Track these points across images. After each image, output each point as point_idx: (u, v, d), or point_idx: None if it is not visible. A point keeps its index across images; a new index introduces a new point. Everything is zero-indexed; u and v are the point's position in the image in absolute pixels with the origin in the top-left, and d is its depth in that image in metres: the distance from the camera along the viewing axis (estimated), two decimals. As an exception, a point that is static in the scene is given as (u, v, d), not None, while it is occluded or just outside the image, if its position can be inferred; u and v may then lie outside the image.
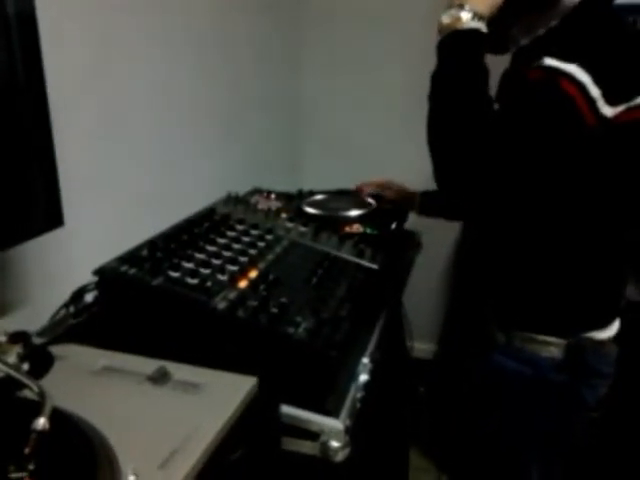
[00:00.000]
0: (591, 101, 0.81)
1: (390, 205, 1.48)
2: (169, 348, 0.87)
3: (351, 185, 1.73)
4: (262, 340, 0.86)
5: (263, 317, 0.88)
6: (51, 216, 1.03)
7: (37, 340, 0.81)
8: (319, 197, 1.52)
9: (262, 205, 1.39)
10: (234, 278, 0.97)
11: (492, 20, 0.92)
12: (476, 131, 0.84)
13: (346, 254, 1.17)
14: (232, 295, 0.92)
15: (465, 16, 0.88)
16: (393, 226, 1.41)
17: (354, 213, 1.40)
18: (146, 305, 0.90)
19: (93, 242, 1.14)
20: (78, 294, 1.03)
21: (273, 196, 1.53)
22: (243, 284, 0.96)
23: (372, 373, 0.98)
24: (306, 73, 2.27)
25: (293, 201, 1.52)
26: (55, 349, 0.78)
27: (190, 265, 0.97)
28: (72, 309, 1.03)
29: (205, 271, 0.97)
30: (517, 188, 0.86)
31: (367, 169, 2.26)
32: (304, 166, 2.38)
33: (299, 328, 0.88)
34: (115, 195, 1.22)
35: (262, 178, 1.96)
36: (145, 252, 0.98)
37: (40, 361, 0.71)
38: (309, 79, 2.29)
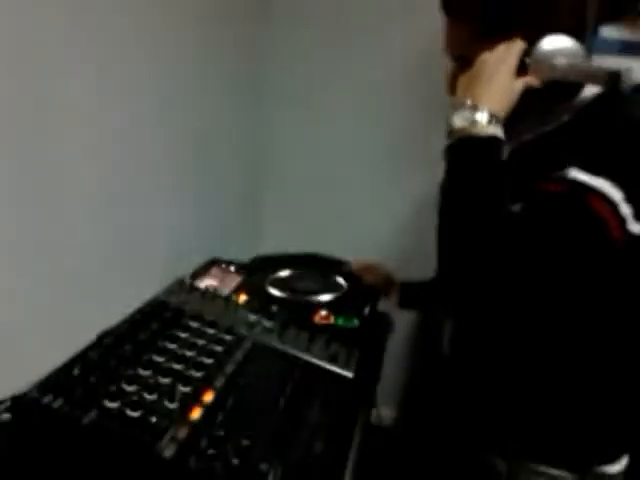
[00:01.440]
0: (622, 220, 0.69)
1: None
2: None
3: (318, 246, 1.59)
4: (219, 499, 0.70)
5: (220, 468, 0.71)
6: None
7: None
8: (284, 274, 1.36)
9: (220, 286, 1.23)
10: (186, 406, 0.80)
11: None
12: (491, 250, 0.71)
13: (317, 358, 1.01)
14: (182, 434, 0.75)
15: (481, 119, 0.75)
16: (366, 311, 1.27)
17: (324, 298, 1.25)
18: (76, 448, 0.72)
19: (10, 345, 0.95)
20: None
21: (232, 269, 1.38)
22: (196, 414, 0.79)
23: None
24: (266, 113, 2.09)
25: (255, 274, 1.37)
26: None
27: (132, 388, 0.80)
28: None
29: (151, 397, 0.79)
30: (533, 306, 0.74)
31: (337, 220, 2.13)
32: (265, 220, 2.22)
33: (265, 481, 0.72)
34: (34, 281, 1.01)
35: (218, 238, 1.79)
36: (75, 372, 0.80)
37: None
38: (272, 126, 2.12)
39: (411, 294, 1.32)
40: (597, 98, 0.81)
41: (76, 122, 1.08)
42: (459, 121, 0.77)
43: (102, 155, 1.17)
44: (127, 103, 1.24)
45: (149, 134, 1.35)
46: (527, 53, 0.80)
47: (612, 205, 0.69)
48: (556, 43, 0.79)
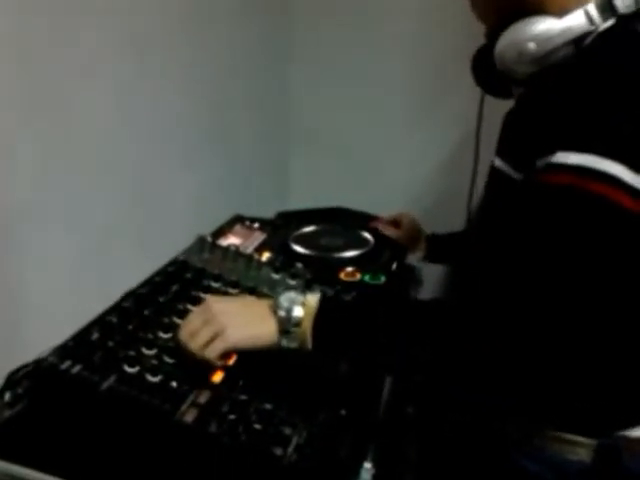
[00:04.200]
0: (631, 188, 0.66)
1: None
2: (123, 470, 0.69)
3: (345, 201, 1.55)
4: (243, 465, 0.68)
5: (242, 432, 0.69)
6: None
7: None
8: (308, 230, 1.33)
9: (243, 244, 1.20)
10: (207, 370, 0.78)
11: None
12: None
13: (343, 317, 0.98)
14: (203, 398, 0.73)
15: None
16: (394, 267, 1.22)
17: (350, 254, 1.21)
18: (95, 414, 0.71)
19: (34, 307, 0.94)
20: (12, 380, 0.82)
21: (256, 225, 1.34)
22: (217, 378, 0.77)
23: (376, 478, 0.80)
24: (292, 73, 2.05)
25: (279, 231, 1.33)
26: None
27: (152, 352, 0.78)
28: (7, 397, 0.83)
29: (171, 361, 0.77)
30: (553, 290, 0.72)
31: (361, 174, 2.08)
32: (291, 174, 2.17)
33: (289, 446, 0.69)
34: (58, 239, 1.01)
35: (243, 195, 1.76)
36: (95, 337, 0.79)
37: None
38: (297, 78, 2.06)
39: (439, 247, 1.27)
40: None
41: (101, 89, 1.06)
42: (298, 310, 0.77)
43: (128, 116, 1.16)
44: (151, 61, 1.22)
45: (174, 92, 1.32)
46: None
47: (612, 179, 0.64)
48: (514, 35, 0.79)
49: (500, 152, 0.85)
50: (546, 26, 0.76)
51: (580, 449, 0.81)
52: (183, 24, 1.34)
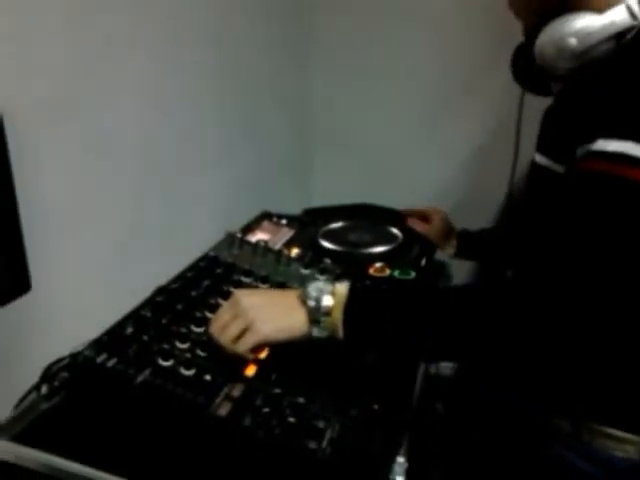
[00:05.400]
0: None
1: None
2: (157, 462, 0.69)
3: (368, 198, 1.54)
4: (278, 459, 0.68)
5: (276, 426, 0.70)
6: (16, 280, 0.85)
7: None
8: (336, 226, 1.32)
9: (272, 240, 1.20)
10: (240, 363, 0.78)
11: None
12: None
13: (373, 312, 0.97)
14: (237, 392, 0.73)
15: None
16: (423, 262, 1.22)
17: (379, 249, 1.20)
18: (130, 407, 0.72)
19: (68, 302, 0.95)
20: (49, 373, 0.84)
21: (284, 222, 1.35)
22: (251, 372, 0.77)
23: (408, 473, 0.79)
24: (316, 72, 2.04)
25: (306, 228, 1.33)
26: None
27: (185, 346, 0.79)
28: (44, 390, 0.85)
29: (204, 354, 0.78)
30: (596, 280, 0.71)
31: (383, 174, 2.07)
32: (316, 173, 2.17)
33: (323, 440, 0.69)
34: (92, 236, 1.02)
35: (269, 192, 1.77)
36: (129, 331, 0.79)
37: None
38: (320, 78, 2.06)
39: (470, 244, 1.26)
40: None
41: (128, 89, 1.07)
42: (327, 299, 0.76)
43: (158, 116, 1.18)
44: (181, 61, 1.23)
45: (202, 92, 1.34)
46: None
47: None
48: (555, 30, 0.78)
49: (540, 148, 0.85)
50: (587, 22, 0.76)
51: (629, 446, 0.81)
52: (211, 26, 1.35)
